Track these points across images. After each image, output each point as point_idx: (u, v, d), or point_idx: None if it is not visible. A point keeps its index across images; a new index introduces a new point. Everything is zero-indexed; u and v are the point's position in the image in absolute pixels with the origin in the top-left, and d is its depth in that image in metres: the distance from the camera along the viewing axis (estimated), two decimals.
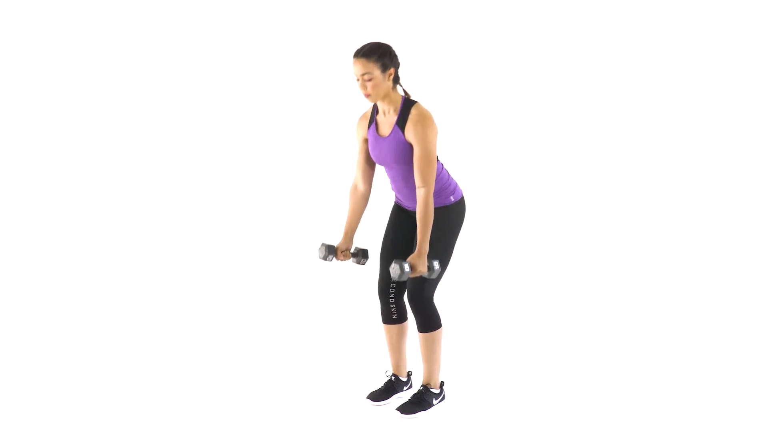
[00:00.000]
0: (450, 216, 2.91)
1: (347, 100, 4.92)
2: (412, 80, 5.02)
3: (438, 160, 2.87)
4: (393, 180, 2.93)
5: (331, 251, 3.00)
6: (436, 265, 2.77)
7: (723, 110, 5.13)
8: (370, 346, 3.65)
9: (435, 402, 3.01)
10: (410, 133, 2.77)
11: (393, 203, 3.07)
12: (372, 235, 3.26)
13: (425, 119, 2.76)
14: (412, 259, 2.73)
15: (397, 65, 2.81)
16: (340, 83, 5.11)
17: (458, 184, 2.98)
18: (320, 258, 3.01)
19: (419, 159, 2.75)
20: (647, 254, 4.86)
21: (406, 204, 2.96)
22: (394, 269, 2.71)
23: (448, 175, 2.93)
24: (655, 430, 2.85)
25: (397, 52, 2.81)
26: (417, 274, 2.75)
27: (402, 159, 2.81)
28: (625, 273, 4.68)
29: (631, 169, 5.20)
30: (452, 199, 2.91)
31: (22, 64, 5.15)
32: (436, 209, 2.87)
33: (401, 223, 3.00)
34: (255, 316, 4.18)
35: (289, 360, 3.56)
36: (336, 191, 4.37)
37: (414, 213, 2.92)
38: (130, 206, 5.21)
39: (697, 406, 3.03)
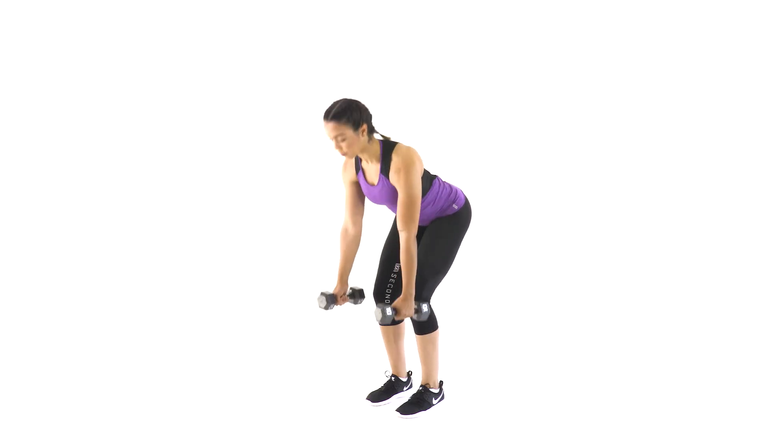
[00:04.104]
0: (455, 221, 2.94)
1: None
2: (411, 83, 5.06)
3: (433, 178, 2.90)
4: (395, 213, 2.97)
5: (332, 300, 3.02)
6: (425, 308, 2.79)
7: (723, 110, 5.13)
8: (369, 347, 3.66)
9: (434, 402, 3.01)
10: (393, 180, 2.78)
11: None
12: (366, 272, 3.28)
13: (406, 164, 2.76)
14: (398, 303, 2.76)
15: (368, 118, 2.80)
16: (341, 93, 5.14)
17: (460, 188, 2.99)
18: (321, 308, 3.03)
19: (402, 203, 2.77)
20: (646, 255, 4.87)
21: None
22: (376, 313, 2.74)
23: (448, 187, 2.94)
24: (655, 430, 2.85)
25: (366, 105, 2.80)
26: (403, 318, 2.77)
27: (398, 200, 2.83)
28: (623, 273, 4.69)
29: (628, 173, 5.20)
30: (455, 207, 2.94)
31: (23, 64, 5.15)
32: (442, 218, 2.92)
33: None
34: (255, 317, 4.19)
35: (289, 360, 3.57)
36: (333, 192, 4.38)
37: (419, 226, 2.94)
38: (131, 211, 5.22)
39: (697, 406, 3.03)
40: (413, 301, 2.77)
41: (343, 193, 3.02)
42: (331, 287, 3.06)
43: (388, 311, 2.72)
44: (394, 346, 3.11)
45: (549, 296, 4.41)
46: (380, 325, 2.89)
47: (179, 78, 5.29)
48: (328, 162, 5.09)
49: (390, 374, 3.15)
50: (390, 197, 2.85)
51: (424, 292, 2.89)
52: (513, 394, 3.17)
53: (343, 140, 2.75)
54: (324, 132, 2.76)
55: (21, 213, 5.10)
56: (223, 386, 3.27)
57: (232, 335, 3.91)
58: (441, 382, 3.05)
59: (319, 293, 3.04)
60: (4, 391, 3.23)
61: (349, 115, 2.73)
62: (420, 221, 2.92)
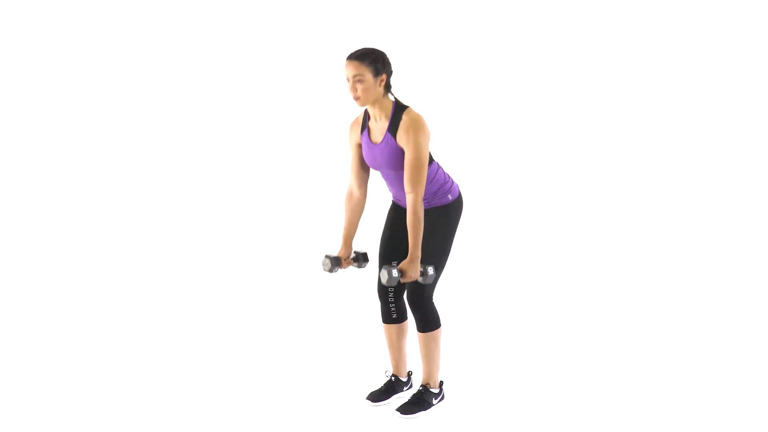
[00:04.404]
0: (448, 214, 2.91)
1: (344, 103, 4.95)
2: (409, 78, 5.05)
3: (433, 160, 2.89)
4: (390, 184, 2.95)
5: (336, 263, 3.02)
6: (430, 270, 2.78)
7: (723, 110, 5.13)
8: (370, 346, 3.66)
9: (434, 402, 3.01)
10: (401, 139, 2.77)
11: (390, 202, 3.08)
12: (370, 237, 3.27)
13: (416, 125, 2.76)
14: (404, 265, 2.75)
15: (389, 72, 2.81)
16: (337, 86, 5.14)
17: (455, 181, 2.99)
18: (326, 271, 3.03)
19: (409, 165, 2.75)
20: (646, 252, 4.87)
21: (403, 203, 2.96)
22: (383, 274, 2.73)
23: (444, 174, 2.93)
24: (655, 430, 2.85)
25: (391, 60, 2.81)
26: (408, 280, 2.76)
27: (397, 164, 2.82)
28: (624, 272, 4.68)
29: (629, 168, 5.20)
30: (450, 197, 2.92)
31: (23, 64, 5.15)
32: (435, 208, 2.89)
33: (399, 222, 2.99)
34: (255, 317, 4.18)
35: (289, 360, 3.56)
36: (333, 190, 4.37)
37: None
38: (130, 209, 5.22)
39: (697, 406, 3.03)
40: (419, 264, 2.76)
41: (349, 156, 3.01)
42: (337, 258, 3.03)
43: (394, 272, 2.71)
44: (396, 344, 3.10)
45: (549, 296, 4.40)
46: (386, 286, 2.84)
47: (174, 74, 5.29)
48: (325, 163, 5.12)
49: (390, 374, 3.14)
50: (390, 159, 2.81)
51: (426, 290, 2.90)
52: (513, 394, 3.17)
53: (360, 82, 2.74)
54: (344, 73, 2.77)
55: (21, 213, 5.10)
56: (223, 386, 3.27)
57: (232, 334, 3.90)
58: (441, 382, 3.05)
59: (324, 256, 3.03)
60: (4, 391, 3.23)
61: (372, 59, 2.75)
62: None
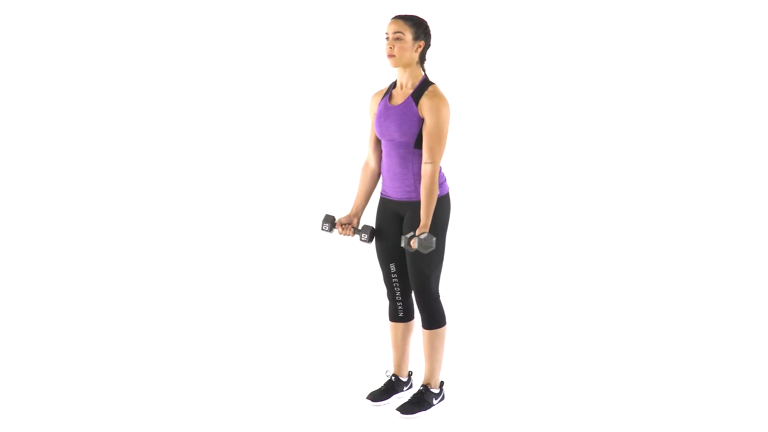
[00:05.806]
0: (437, 214, 2.86)
1: (345, 98, 4.96)
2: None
3: None
4: (387, 156, 2.90)
5: (329, 221, 3.00)
6: (433, 243, 2.78)
7: (722, 110, 5.12)
8: (370, 346, 3.65)
9: (435, 402, 3.01)
10: (425, 107, 2.79)
11: (377, 204, 3.04)
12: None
13: (442, 97, 2.81)
14: (417, 232, 2.76)
15: (428, 43, 2.87)
16: (340, 76, 5.14)
17: (448, 183, 2.97)
18: (323, 230, 3.02)
19: (430, 134, 2.78)
20: (646, 252, 4.86)
21: (392, 193, 2.93)
22: (404, 239, 2.73)
23: (440, 169, 2.91)
24: (655, 429, 2.85)
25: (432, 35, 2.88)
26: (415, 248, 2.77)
27: (406, 130, 2.81)
28: (625, 272, 4.68)
29: (631, 168, 5.20)
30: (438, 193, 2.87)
31: (23, 64, 5.15)
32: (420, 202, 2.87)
33: (389, 224, 2.98)
34: (255, 316, 4.18)
35: (289, 360, 3.56)
36: (337, 191, 4.37)
37: (399, 203, 2.91)
38: (125, 198, 5.21)
39: (697, 405, 3.03)
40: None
41: (367, 128, 3.04)
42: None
43: (419, 239, 2.71)
44: (401, 343, 3.10)
45: (549, 296, 4.40)
46: (405, 249, 2.82)
47: (174, 73, 5.29)
48: (328, 167, 5.12)
49: (391, 374, 3.14)
50: (402, 122, 2.81)
51: (432, 288, 2.91)
52: (513, 394, 3.17)
53: (399, 40, 2.79)
54: (385, 32, 2.83)
55: (20, 213, 5.09)
56: (224, 385, 3.27)
57: (232, 334, 3.89)
58: (442, 383, 3.06)
59: (324, 214, 3.03)
60: (4, 391, 3.23)
61: (415, 22, 2.82)
62: (402, 192, 2.89)
